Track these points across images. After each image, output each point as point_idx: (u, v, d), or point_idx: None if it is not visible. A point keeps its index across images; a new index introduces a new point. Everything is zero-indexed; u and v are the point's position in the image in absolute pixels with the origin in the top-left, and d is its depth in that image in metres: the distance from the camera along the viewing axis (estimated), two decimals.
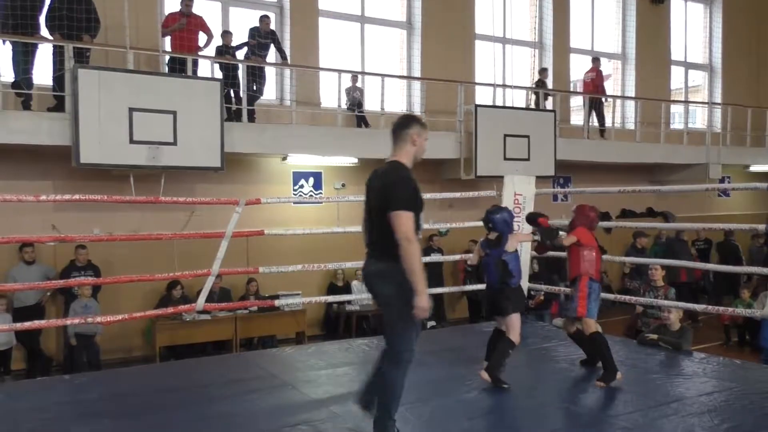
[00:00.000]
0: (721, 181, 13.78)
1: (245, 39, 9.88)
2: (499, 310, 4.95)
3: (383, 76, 10.60)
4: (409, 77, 11.81)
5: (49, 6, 8.12)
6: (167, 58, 9.22)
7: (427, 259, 7.46)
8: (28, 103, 8.17)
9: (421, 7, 11.95)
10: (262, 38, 9.89)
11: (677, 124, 15.17)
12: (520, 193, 7.16)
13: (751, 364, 6.13)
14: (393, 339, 3.64)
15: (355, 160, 10.42)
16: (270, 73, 10.32)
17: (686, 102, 15.49)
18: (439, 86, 11.12)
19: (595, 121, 13.16)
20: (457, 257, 9.15)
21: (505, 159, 10.75)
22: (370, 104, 10.84)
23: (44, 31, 8.21)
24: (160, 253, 8.79)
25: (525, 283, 6.90)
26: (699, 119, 16.18)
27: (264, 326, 9.61)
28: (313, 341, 9.26)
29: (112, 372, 6.73)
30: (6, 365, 8.16)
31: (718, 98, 15.84)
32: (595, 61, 13.41)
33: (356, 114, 10.63)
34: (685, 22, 15.62)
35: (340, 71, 10.24)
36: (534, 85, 12.61)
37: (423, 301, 3.49)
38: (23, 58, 7.96)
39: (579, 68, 14.09)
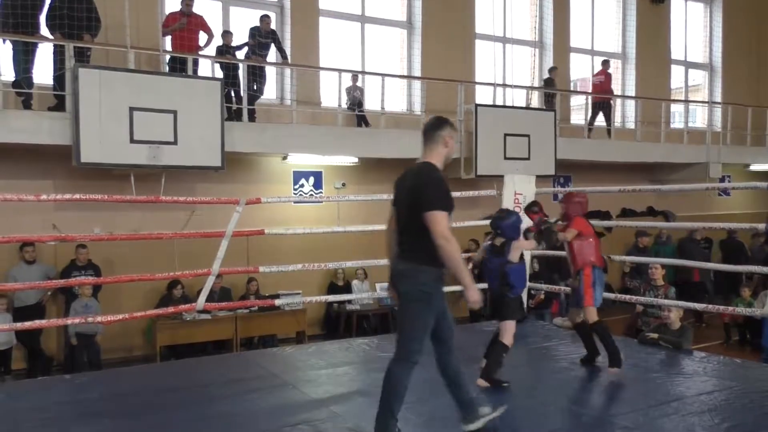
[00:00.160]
0: (722, 180, 13.78)
1: (246, 38, 9.88)
2: (496, 314, 5.01)
3: (383, 75, 10.60)
4: (409, 77, 11.81)
5: (50, 5, 8.12)
6: (168, 57, 9.22)
7: None
8: (28, 103, 8.17)
9: (421, 6, 11.95)
10: (262, 38, 9.89)
11: (677, 123, 15.18)
12: (520, 192, 7.17)
13: (751, 363, 6.13)
14: (405, 338, 3.65)
15: (356, 160, 10.42)
16: (270, 72, 10.32)
17: (686, 101, 15.50)
18: (440, 86, 11.12)
19: (598, 122, 13.16)
20: None
21: (506, 158, 10.75)
22: (371, 104, 10.84)
23: (45, 31, 8.21)
24: (161, 252, 8.80)
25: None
26: (699, 118, 16.17)
27: (264, 326, 9.61)
28: (314, 341, 9.26)
29: (112, 371, 6.73)
30: (6, 365, 8.16)
31: (718, 97, 15.84)
32: (605, 63, 13.40)
33: (356, 113, 10.63)
34: (685, 21, 15.62)
35: (340, 71, 10.24)
36: (543, 84, 12.62)
37: (473, 294, 3.58)
38: (24, 58, 7.96)
39: (579, 68, 14.10)
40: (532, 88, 12.55)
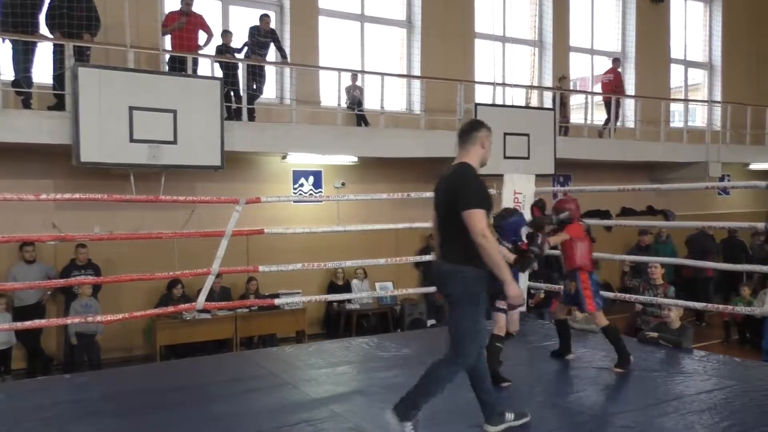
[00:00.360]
0: (721, 179, 13.78)
1: (245, 38, 9.88)
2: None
3: (383, 74, 10.59)
4: (409, 76, 11.81)
5: (50, 4, 8.12)
6: (167, 57, 9.22)
7: (428, 257, 7.46)
8: (28, 102, 8.17)
9: (421, 5, 11.94)
10: (262, 37, 9.89)
11: (677, 122, 15.18)
12: (519, 191, 7.18)
13: (751, 361, 6.12)
14: (454, 340, 3.67)
15: (355, 159, 10.41)
16: (270, 72, 10.32)
17: (686, 100, 15.49)
18: (439, 85, 11.12)
19: (597, 120, 13.15)
20: None
21: (505, 157, 10.73)
22: (370, 103, 10.83)
23: (44, 30, 8.21)
24: (161, 252, 8.79)
25: (524, 282, 6.91)
26: (699, 117, 16.17)
27: (264, 325, 9.61)
28: (314, 340, 9.27)
29: (112, 371, 6.73)
30: (6, 364, 8.16)
31: (717, 96, 15.84)
32: (615, 61, 13.38)
33: (356, 113, 10.63)
34: (684, 20, 15.62)
35: (340, 70, 10.23)
36: (554, 93, 12.61)
37: (513, 290, 3.60)
38: (23, 57, 7.95)
39: (578, 67, 14.10)
40: (531, 87, 12.54)
